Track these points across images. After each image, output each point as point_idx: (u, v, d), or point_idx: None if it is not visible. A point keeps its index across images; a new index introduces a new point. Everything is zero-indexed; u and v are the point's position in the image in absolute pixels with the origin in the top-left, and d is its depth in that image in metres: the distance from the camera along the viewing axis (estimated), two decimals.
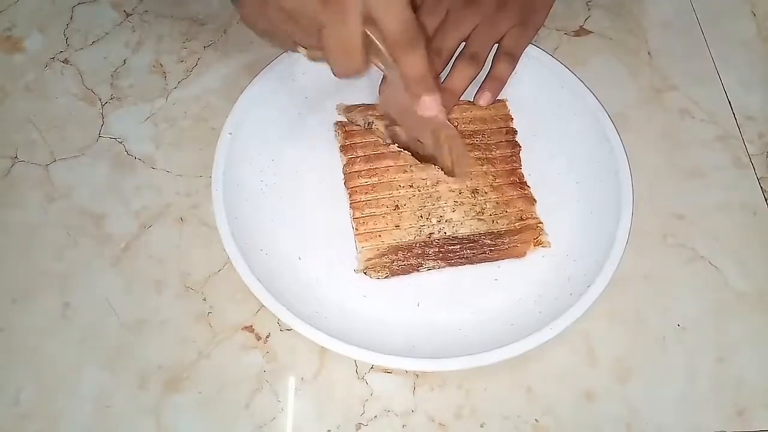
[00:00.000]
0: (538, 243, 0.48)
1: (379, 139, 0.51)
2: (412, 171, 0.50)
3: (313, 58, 0.44)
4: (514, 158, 0.51)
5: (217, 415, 0.43)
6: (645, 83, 0.57)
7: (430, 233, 0.48)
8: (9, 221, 0.49)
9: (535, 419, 0.44)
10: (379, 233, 0.47)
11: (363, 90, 0.54)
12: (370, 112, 0.52)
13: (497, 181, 0.50)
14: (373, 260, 0.47)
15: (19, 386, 0.44)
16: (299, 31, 0.42)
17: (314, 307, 0.45)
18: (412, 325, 0.46)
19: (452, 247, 0.47)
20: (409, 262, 0.47)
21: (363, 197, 0.49)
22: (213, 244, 0.48)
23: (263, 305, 0.44)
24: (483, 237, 0.48)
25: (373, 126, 0.52)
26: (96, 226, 0.49)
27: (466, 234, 0.48)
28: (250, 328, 0.46)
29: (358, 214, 0.48)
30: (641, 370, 0.45)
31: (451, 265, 0.47)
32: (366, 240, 0.47)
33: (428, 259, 0.47)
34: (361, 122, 0.52)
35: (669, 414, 0.44)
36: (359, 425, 0.43)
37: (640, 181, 0.50)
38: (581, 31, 0.59)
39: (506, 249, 0.48)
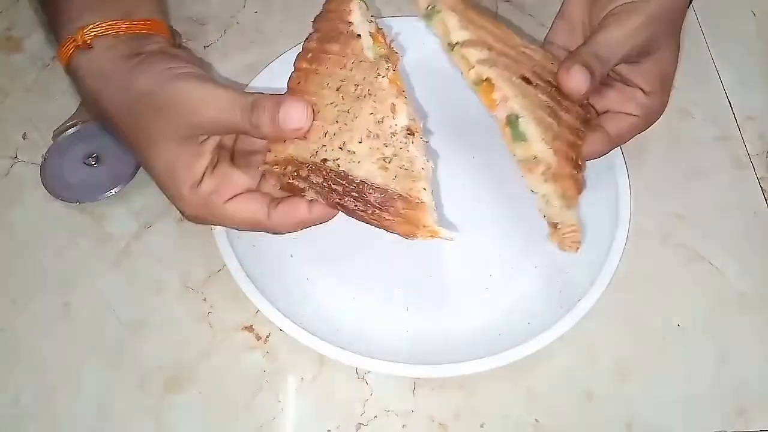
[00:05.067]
0: (432, 233, 0.39)
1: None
2: (351, 69, 0.41)
3: None
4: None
5: (217, 415, 0.43)
6: None
7: (324, 159, 0.39)
8: (9, 221, 0.49)
9: (535, 419, 0.44)
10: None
11: None
12: None
13: None
14: (271, 166, 0.41)
15: (19, 386, 0.44)
16: None
17: (303, 308, 0.45)
18: (398, 330, 0.46)
19: (336, 186, 0.39)
20: (295, 182, 0.40)
21: (295, 86, 0.42)
22: (213, 244, 0.48)
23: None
24: (372, 191, 0.39)
25: None
26: (96, 226, 0.49)
27: (358, 179, 0.39)
28: (250, 328, 0.46)
29: None
30: (641, 370, 0.45)
31: (330, 206, 0.40)
32: (273, 142, 0.41)
33: (311, 189, 0.40)
34: None
35: (669, 414, 0.44)
36: (359, 425, 0.43)
37: (640, 181, 0.50)
38: None
39: (390, 220, 0.39)
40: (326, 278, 0.47)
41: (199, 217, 0.43)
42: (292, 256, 0.48)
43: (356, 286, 0.47)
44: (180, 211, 0.43)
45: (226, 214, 0.42)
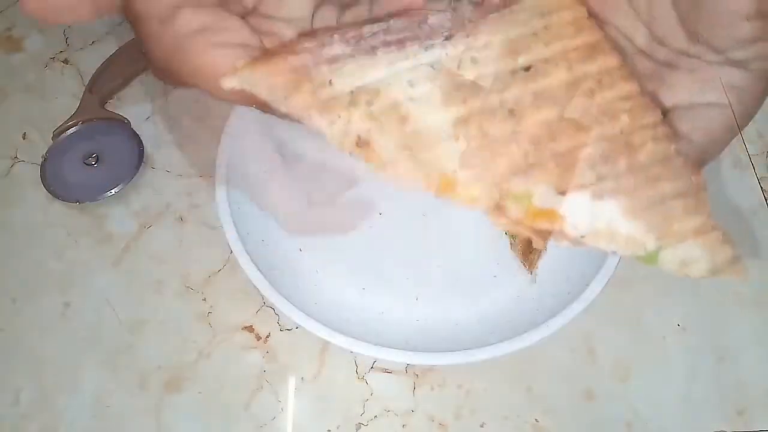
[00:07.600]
0: None
1: None
2: None
3: None
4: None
5: (217, 415, 0.43)
6: None
7: None
8: (9, 221, 0.49)
9: (535, 419, 0.44)
10: None
11: None
12: None
13: None
14: None
15: (19, 386, 0.44)
16: None
17: (314, 299, 0.45)
18: (409, 320, 0.46)
19: None
20: None
21: None
22: (213, 244, 0.48)
23: (264, 303, 0.44)
24: None
25: None
26: (96, 226, 0.49)
27: None
28: (250, 328, 0.46)
29: None
30: (641, 370, 0.45)
31: None
32: None
33: None
34: None
35: (669, 414, 0.44)
36: (359, 425, 0.43)
37: None
38: None
39: None
40: (336, 270, 0.47)
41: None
42: (300, 250, 0.48)
43: (365, 277, 0.47)
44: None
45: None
